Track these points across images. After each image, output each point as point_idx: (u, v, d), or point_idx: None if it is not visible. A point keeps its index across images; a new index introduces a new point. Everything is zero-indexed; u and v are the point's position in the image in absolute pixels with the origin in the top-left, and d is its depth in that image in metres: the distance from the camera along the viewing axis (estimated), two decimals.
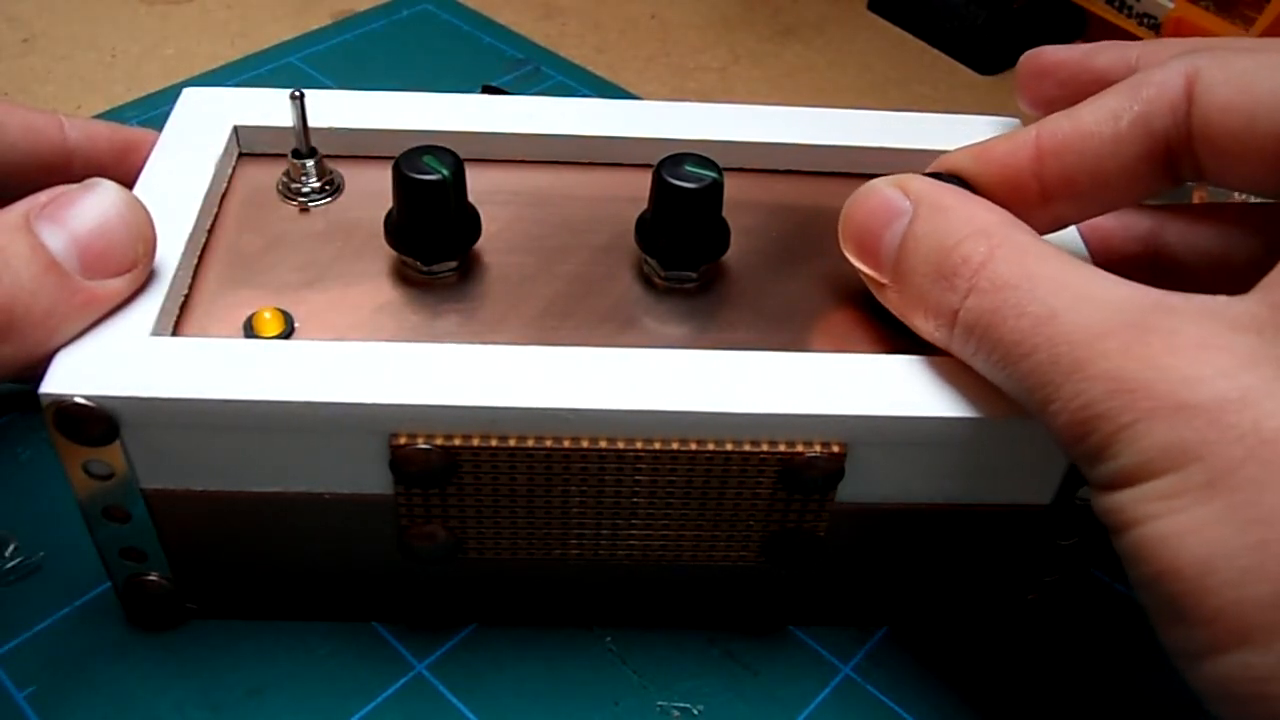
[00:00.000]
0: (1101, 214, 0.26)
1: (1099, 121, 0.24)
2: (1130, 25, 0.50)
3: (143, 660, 0.27)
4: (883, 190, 0.25)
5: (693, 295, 0.28)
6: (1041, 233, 0.24)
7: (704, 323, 0.27)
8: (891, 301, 0.25)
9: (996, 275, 0.22)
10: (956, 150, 0.26)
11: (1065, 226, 0.26)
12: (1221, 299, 0.20)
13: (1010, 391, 0.22)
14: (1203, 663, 0.19)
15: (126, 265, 0.24)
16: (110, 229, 0.24)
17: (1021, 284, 0.21)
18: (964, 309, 0.22)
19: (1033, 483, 0.26)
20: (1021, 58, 0.29)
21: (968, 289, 0.22)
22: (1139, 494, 0.19)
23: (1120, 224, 0.29)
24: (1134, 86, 0.24)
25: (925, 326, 0.24)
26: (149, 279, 0.25)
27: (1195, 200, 0.31)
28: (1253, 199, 0.29)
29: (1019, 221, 0.23)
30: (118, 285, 0.24)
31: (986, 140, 0.26)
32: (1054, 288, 0.21)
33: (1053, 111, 0.26)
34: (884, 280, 0.25)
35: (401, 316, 0.27)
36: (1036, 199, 0.25)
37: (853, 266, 0.26)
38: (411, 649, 0.28)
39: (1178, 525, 0.19)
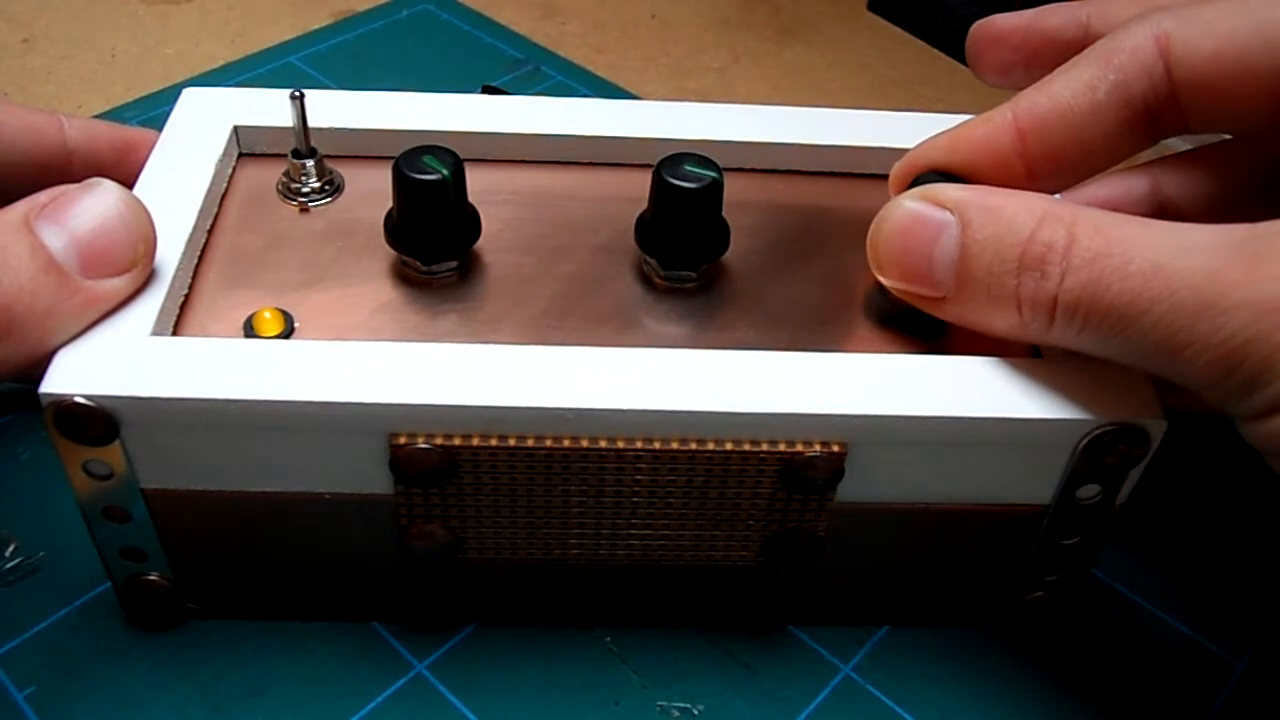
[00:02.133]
0: (1084, 178, 0.27)
1: (1076, 94, 0.24)
2: None
3: (143, 660, 0.27)
4: (913, 208, 0.25)
5: (693, 295, 0.28)
6: None
7: (704, 323, 0.27)
8: (952, 313, 0.25)
9: (1086, 250, 0.22)
10: (923, 144, 0.26)
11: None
12: None
13: (1126, 356, 0.22)
14: None
15: (126, 265, 0.24)
16: (110, 229, 0.24)
17: (1114, 250, 0.22)
18: (1062, 291, 0.22)
19: (1033, 483, 0.26)
20: (972, 28, 0.29)
21: (1061, 272, 0.22)
22: None
23: (1121, 189, 0.29)
24: (1105, 55, 0.24)
25: (1011, 323, 0.24)
26: (149, 279, 0.25)
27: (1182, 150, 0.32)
28: None
29: (1064, 200, 0.23)
30: (118, 285, 0.24)
31: (955, 128, 0.26)
32: (1145, 245, 0.21)
33: (1011, 77, 0.26)
34: (939, 295, 0.24)
35: (401, 316, 0.27)
36: (1022, 177, 0.25)
37: (856, 268, 0.26)
38: (411, 649, 0.28)
39: None
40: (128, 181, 0.26)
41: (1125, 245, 0.21)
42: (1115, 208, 0.29)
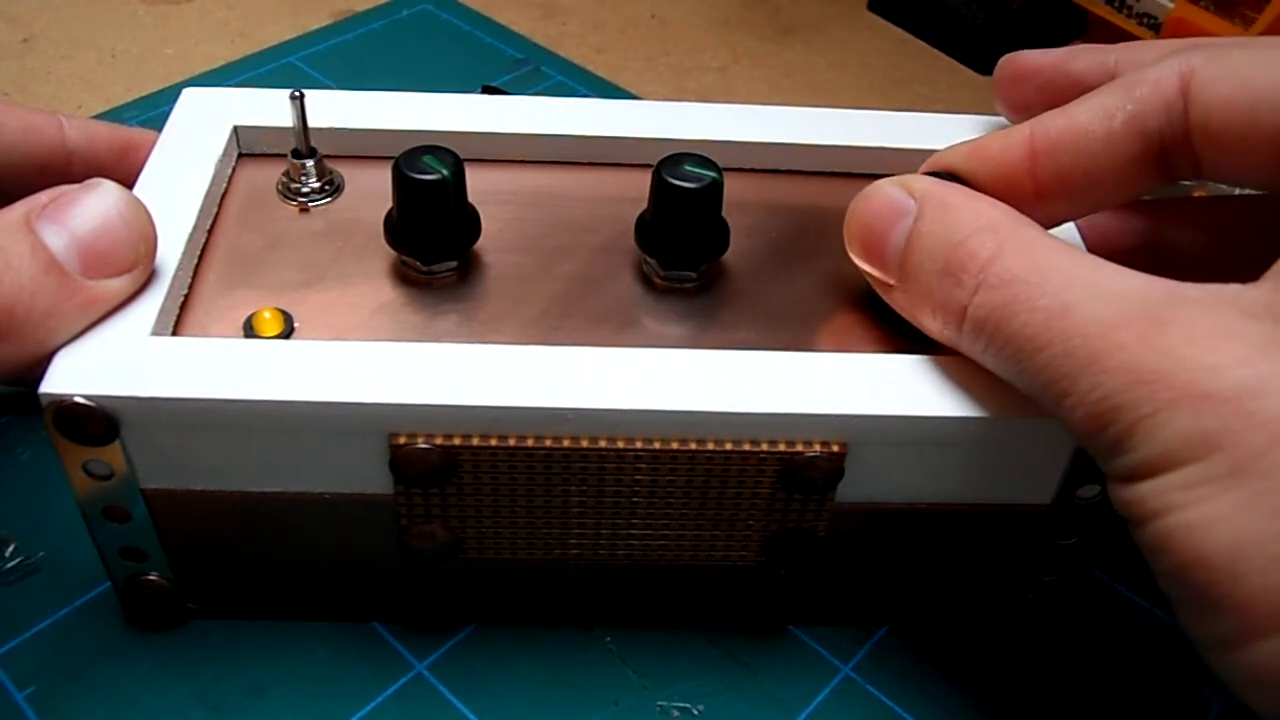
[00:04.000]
0: (1095, 211, 0.26)
1: (1093, 121, 0.24)
2: (1130, 25, 0.50)
3: (143, 660, 0.27)
4: (887, 190, 0.25)
5: (692, 295, 0.28)
6: None
7: (704, 323, 0.27)
8: (898, 302, 0.25)
9: (1005, 270, 0.22)
10: (949, 148, 0.26)
11: (1059, 224, 0.26)
12: (1233, 288, 0.20)
13: (1022, 386, 0.22)
14: (1234, 652, 0.19)
15: (127, 265, 0.24)
16: (111, 229, 0.24)
17: (1031, 278, 0.21)
18: (973, 305, 0.22)
19: (1033, 483, 0.26)
20: (999, 62, 0.29)
21: (976, 285, 0.22)
22: (1161, 484, 0.19)
23: (1119, 219, 0.29)
24: (1128, 85, 0.24)
25: (933, 325, 0.24)
26: (149, 279, 0.25)
27: (1195, 195, 0.32)
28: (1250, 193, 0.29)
29: (1024, 217, 0.23)
30: (118, 285, 0.24)
31: (980, 138, 0.26)
32: (1064, 281, 0.21)
33: (1031, 117, 0.26)
34: (890, 281, 0.25)
35: (401, 316, 0.27)
36: (1031, 197, 0.25)
37: (856, 268, 0.26)
38: (411, 649, 0.28)
39: (1203, 514, 0.19)
40: (127, 182, 0.26)
41: (1044, 276, 0.21)
42: (1109, 236, 0.29)
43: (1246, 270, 0.28)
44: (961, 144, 0.26)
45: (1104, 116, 0.24)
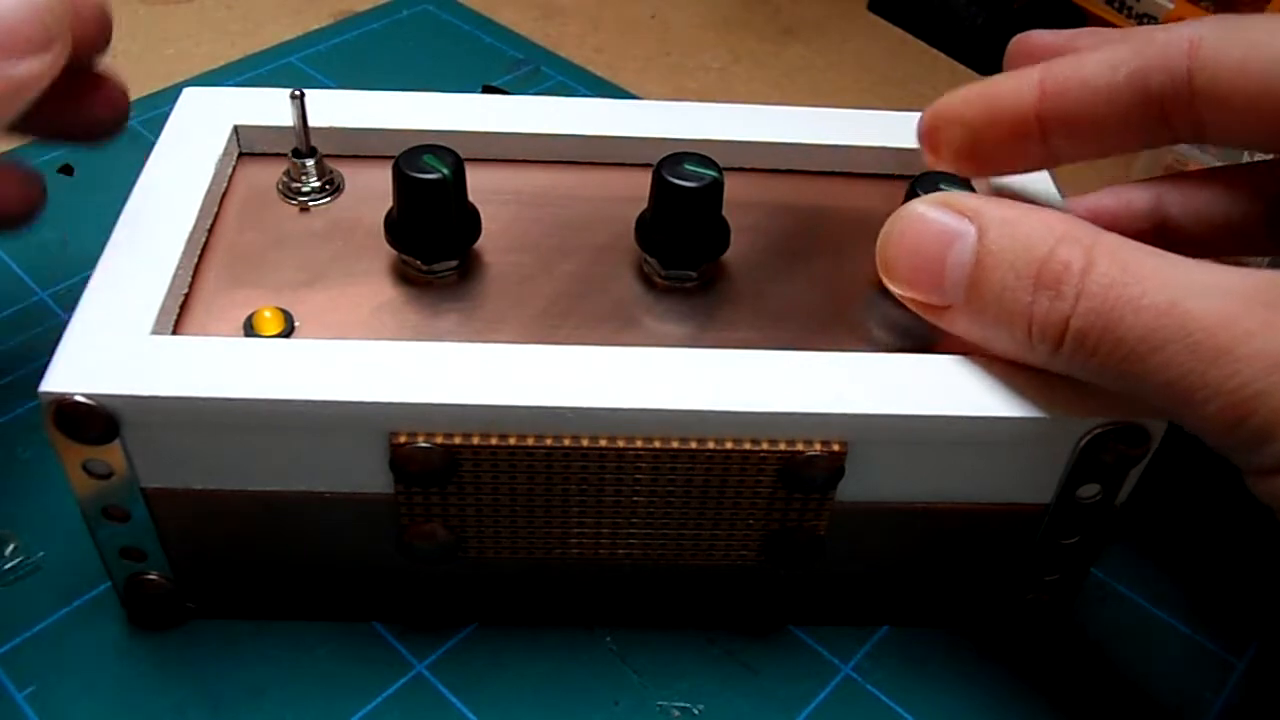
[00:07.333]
0: (1099, 156, 0.26)
1: (1099, 69, 0.25)
2: (1129, 25, 0.50)
3: (143, 660, 0.27)
4: (928, 214, 0.24)
5: (693, 294, 0.28)
6: (1038, 167, 0.26)
7: (704, 322, 0.27)
8: (961, 325, 0.24)
9: (1102, 275, 0.22)
10: (951, 94, 0.27)
11: (1061, 164, 0.26)
12: None
13: (1136, 391, 0.22)
14: None
15: (38, 44, 0.23)
16: (11, 7, 0.22)
17: (1130, 281, 0.21)
18: (1076, 314, 0.22)
19: (1033, 483, 0.26)
20: (1011, 41, 0.30)
21: (1076, 294, 0.22)
22: None
23: (1123, 203, 0.29)
24: (1139, 42, 0.25)
25: (1017, 341, 0.23)
26: (148, 279, 0.25)
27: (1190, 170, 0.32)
28: (1257, 157, 0.29)
29: (1087, 222, 0.23)
30: (34, 67, 0.23)
31: (983, 81, 0.26)
32: (1162, 279, 0.21)
33: None
34: (947, 304, 0.24)
35: (401, 316, 0.27)
36: (1036, 137, 0.25)
37: (855, 268, 0.26)
38: (411, 649, 0.28)
39: None
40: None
41: (1141, 276, 0.21)
42: (1115, 219, 0.29)
43: (1253, 236, 0.28)
44: (964, 89, 0.26)
45: (1109, 68, 0.25)
